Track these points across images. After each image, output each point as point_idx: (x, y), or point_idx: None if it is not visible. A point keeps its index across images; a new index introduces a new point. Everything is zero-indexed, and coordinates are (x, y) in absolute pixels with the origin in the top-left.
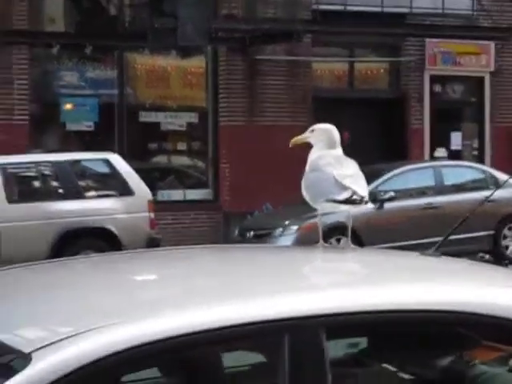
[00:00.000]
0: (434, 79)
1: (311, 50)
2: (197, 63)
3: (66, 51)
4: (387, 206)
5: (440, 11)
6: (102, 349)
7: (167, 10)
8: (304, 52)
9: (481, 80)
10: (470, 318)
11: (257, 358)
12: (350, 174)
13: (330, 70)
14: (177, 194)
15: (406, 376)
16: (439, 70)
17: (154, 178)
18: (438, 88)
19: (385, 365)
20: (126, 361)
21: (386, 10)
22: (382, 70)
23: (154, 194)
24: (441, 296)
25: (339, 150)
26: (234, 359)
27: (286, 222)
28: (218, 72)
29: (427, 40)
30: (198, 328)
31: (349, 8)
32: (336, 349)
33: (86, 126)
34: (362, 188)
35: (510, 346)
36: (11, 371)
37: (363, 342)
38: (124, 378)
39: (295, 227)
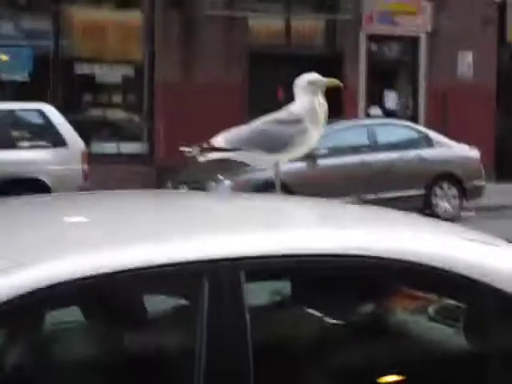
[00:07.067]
0: (371, 38)
1: (249, 6)
2: (133, 16)
3: (1, 1)
4: (322, 162)
5: None
6: (23, 285)
7: None
8: (242, 7)
9: (416, 40)
10: (386, 263)
11: (177, 300)
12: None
13: (266, 26)
14: (110, 147)
15: (326, 320)
16: (376, 30)
17: (88, 130)
18: (374, 47)
19: (304, 309)
20: (47, 298)
21: None
22: (318, 28)
23: (87, 146)
24: (358, 241)
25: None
26: (154, 301)
27: (220, 177)
28: (153, 25)
29: None
30: (117, 268)
31: None
32: (257, 293)
33: (21, 76)
34: (220, 137)
35: (429, 293)
36: None
37: (285, 286)
38: (46, 317)
39: (228, 182)
